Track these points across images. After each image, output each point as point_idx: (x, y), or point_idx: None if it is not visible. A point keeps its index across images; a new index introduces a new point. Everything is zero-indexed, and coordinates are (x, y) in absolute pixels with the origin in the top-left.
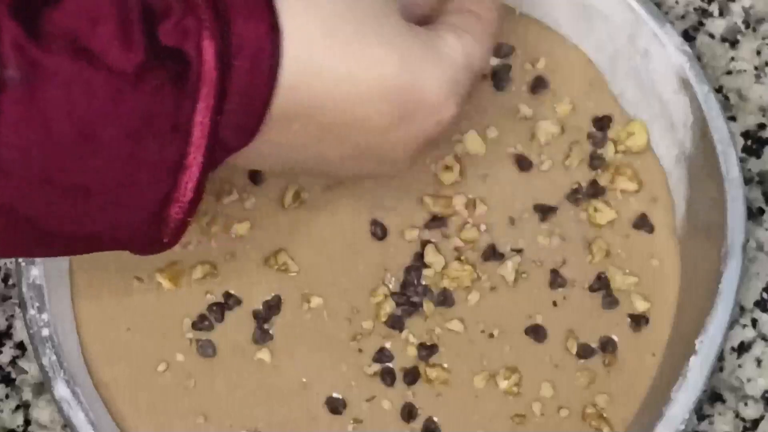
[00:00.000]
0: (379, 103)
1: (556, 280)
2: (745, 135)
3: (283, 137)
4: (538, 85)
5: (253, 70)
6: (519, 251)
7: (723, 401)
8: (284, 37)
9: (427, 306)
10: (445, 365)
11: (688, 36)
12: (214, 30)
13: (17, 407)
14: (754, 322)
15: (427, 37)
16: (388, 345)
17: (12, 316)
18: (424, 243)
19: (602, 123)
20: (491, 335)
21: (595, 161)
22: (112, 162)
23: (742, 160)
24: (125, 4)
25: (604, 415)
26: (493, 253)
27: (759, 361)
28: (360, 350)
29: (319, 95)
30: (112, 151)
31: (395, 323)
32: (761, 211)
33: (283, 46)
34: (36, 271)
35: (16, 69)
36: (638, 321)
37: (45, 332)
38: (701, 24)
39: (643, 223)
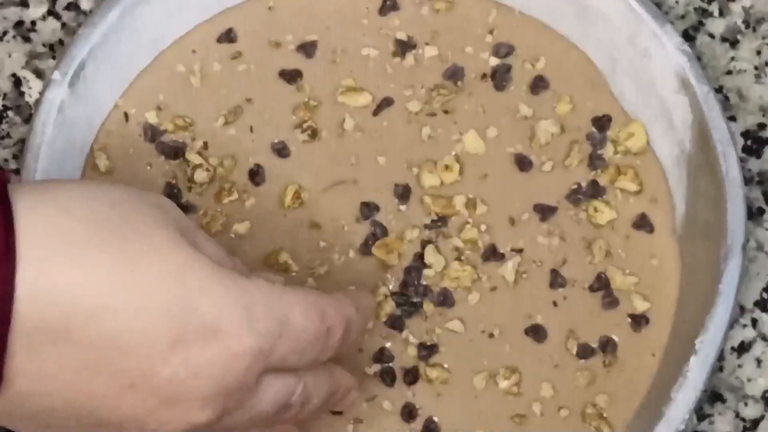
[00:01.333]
0: (148, 316)
1: (556, 280)
2: (745, 135)
3: (40, 368)
4: (538, 85)
5: None
6: (519, 251)
7: (723, 401)
8: (24, 255)
9: (427, 306)
10: (445, 365)
11: (688, 36)
12: None
13: None
14: (754, 322)
15: (224, 265)
16: (388, 345)
17: None
18: (424, 243)
19: (602, 123)
20: (491, 335)
21: (595, 161)
22: None
23: (742, 160)
24: None
25: (604, 415)
26: (493, 253)
27: (759, 361)
28: (360, 350)
29: (72, 310)
30: None
31: (395, 323)
32: (761, 211)
33: (25, 266)
34: None
35: None
36: (638, 321)
37: None
38: (701, 24)
39: (643, 223)
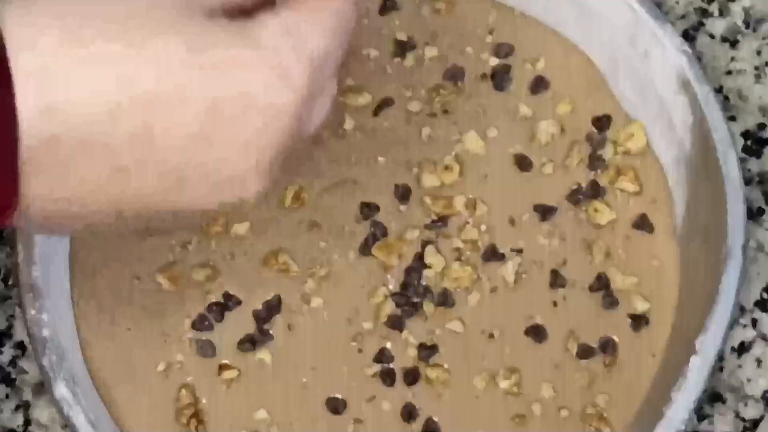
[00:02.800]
0: (175, 101)
1: (556, 280)
2: (745, 135)
3: (69, 185)
4: (538, 85)
5: None
6: (519, 251)
7: (723, 401)
8: (21, 72)
9: (428, 306)
10: (446, 366)
11: (688, 36)
12: None
13: (17, 407)
14: (754, 322)
15: (233, 24)
16: (388, 345)
17: (12, 316)
18: (425, 243)
19: (602, 123)
20: (491, 335)
21: (595, 162)
22: None
23: (742, 160)
24: None
25: (604, 415)
26: (493, 254)
27: (759, 361)
28: (360, 351)
29: (87, 120)
30: None
31: (395, 324)
32: (761, 212)
33: (19, 77)
34: (36, 271)
35: None
36: (638, 321)
37: (45, 332)
38: (701, 24)
39: (643, 223)
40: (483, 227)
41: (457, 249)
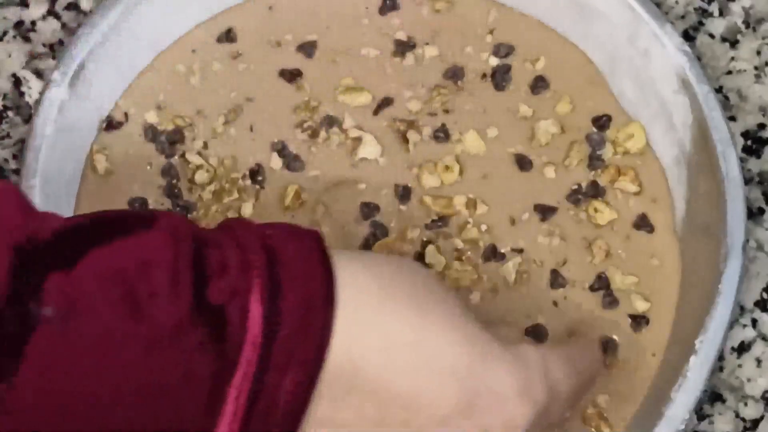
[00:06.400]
0: (443, 380)
1: (556, 280)
2: (745, 135)
3: (337, 415)
4: (538, 85)
5: (301, 340)
6: (519, 251)
7: (723, 401)
8: (339, 306)
9: None
10: None
11: (688, 36)
12: (264, 294)
13: None
14: (754, 322)
15: (498, 337)
16: None
17: None
18: (425, 243)
19: (602, 123)
20: None
21: (595, 162)
22: (134, 420)
23: (742, 160)
24: (180, 252)
25: (605, 415)
26: (493, 253)
27: (759, 361)
28: None
29: (378, 369)
30: (134, 409)
31: None
32: (761, 211)
33: (338, 316)
34: None
35: (54, 307)
36: (638, 321)
37: None
38: (701, 24)
39: (643, 223)
40: (483, 227)
41: (458, 249)
